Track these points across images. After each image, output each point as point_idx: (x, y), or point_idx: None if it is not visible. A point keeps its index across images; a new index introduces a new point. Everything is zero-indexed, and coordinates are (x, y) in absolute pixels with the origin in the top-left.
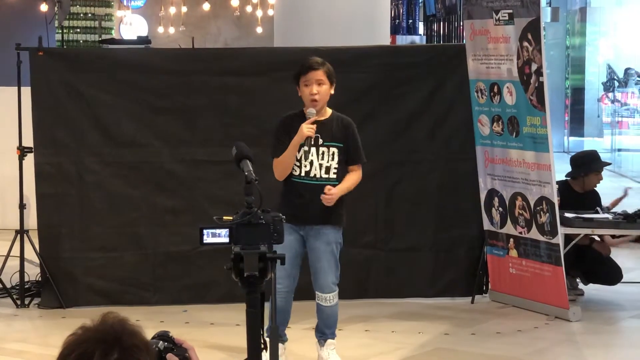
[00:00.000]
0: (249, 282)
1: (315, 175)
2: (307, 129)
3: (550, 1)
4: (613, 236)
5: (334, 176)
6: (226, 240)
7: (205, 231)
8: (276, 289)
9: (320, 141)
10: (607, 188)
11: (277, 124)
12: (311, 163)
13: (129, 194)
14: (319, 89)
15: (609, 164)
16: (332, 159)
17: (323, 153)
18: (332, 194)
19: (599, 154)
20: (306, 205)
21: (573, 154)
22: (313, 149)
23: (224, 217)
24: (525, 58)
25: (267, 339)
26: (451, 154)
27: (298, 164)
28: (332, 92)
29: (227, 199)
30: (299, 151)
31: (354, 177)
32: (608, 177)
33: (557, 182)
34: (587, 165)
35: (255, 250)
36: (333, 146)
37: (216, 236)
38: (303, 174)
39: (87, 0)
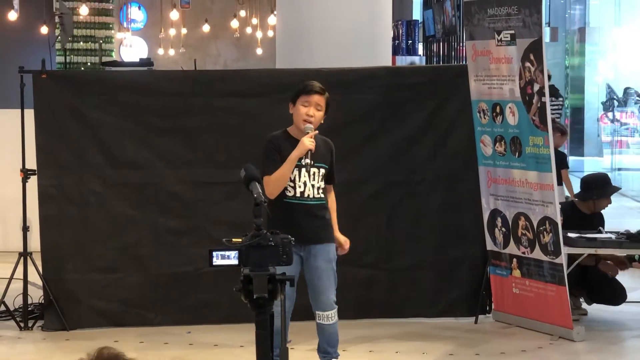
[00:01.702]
0: (258, 303)
1: (309, 195)
2: (308, 141)
3: (549, 21)
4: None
5: (321, 195)
6: (235, 262)
7: (214, 253)
8: (278, 311)
9: (312, 162)
10: (607, 208)
11: (265, 144)
12: (304, 184)
13: (132, 215)
14: (315, 112)
15: (620, 188)
16: (321, 179)
17: (314, 174)
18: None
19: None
20: (305, 225)
21: (585, 175)
22: (303, 169)
23: (233, 239)
24: (528, 78)
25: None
26: (452, 174)
27: (292, 184)
28: (323, 121)
29: (229, 220)
30: (298, 170)
31: (334, 201)
32: None
33: (564, 203)
34: (601, 189)
35: (265, 272)
36: (322, 167)
37: (225, 258)
38: (298, 194)
39: (87, 22)
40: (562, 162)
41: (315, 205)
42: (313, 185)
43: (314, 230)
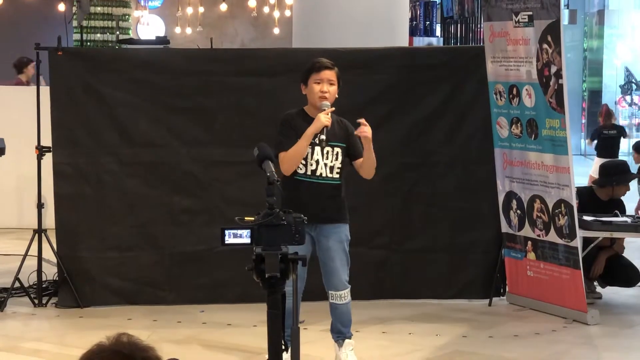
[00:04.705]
0: (270, 283)
1: (321, 174)
2: (324, 117)
3: (568, 3)
4: None
5: (337, 175)
6: (248, 241)
7: (227, 232)
8: (290, 290)
9: (327, 139)
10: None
11: (281, 121)
12: (317, 162)
13: (146, 194)
14: (329, 88)
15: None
16: (336, 158)
17: (328, 153)
18: (367, 128)
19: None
20: (314, 204)
21: (604, 161)
22: (317, 149)
23: (246, 218)
24: (545, 60)
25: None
26: (469, 156)
27: (304, 162)
28: (336, 95)
29: (243, 200)
30: (311, 148)
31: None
32: None
33: (582, 188)
34: (619, 175)
35: (277, 251)
36: (337, 146)
37: (238, 237)
38: (309, 172)
39: (104, 0)
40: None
41: (327, 184)
42: (326, 165)
43: (324, 210)
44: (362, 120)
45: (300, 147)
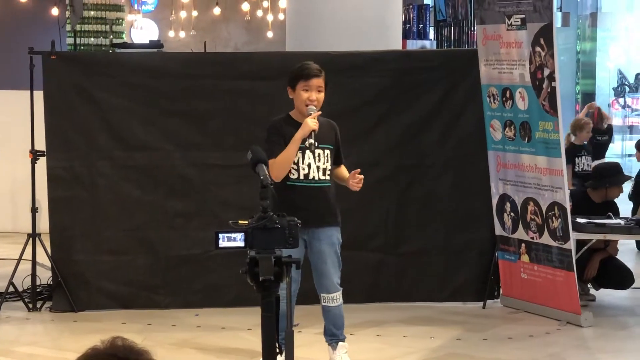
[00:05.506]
0: (264, 286)
1: (314, 177)
2: (312, 122)
3: (561, 6)
4: None
5: (327, 177)
6: (242, 244)
7: (220, 235)
8: (284, 294)
9: (316, 143)
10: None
11: (268, 129)
12: (309, 166)
13: (141, 197)
14: (318, 95)
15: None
16: (327, 160)
17: (319, 155)
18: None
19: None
20: (308, 208)
21: (597, 163)
22: (308, 152)
23: (240, 221)
24: (538, 63)
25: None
26: (462, 159)
27: (295, 167)
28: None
29: (238, 203)
30: (302, 152)
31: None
32: None
33: (575, 190)
34: (612, 177)
35: (271, 255)
36: (327, 148)
37: (232, 240)
38: (302, 177)
39: (98, 4)
40: None
41: (320, 187)
42: (318, 167)
43: (317, 213)
44: (358, 171)
45: (289, 153)
